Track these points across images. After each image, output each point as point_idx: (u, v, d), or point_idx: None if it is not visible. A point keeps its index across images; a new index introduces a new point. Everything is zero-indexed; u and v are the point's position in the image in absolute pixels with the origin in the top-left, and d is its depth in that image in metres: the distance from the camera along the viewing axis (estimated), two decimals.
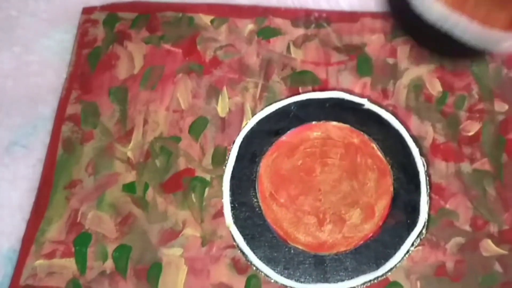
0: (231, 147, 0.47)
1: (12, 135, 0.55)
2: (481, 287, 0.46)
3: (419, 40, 0.50)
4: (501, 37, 0.42)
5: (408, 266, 0.46)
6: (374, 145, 0.47)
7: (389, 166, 0.46)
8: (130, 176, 0.51)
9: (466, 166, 0.50)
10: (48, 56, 0.59)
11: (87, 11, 0.61)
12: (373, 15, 0.58)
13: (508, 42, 0.42)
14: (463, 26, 0.42)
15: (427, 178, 0.44)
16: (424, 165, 0.45)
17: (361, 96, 0.52)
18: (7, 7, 0.62)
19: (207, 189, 0.50)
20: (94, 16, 0.60)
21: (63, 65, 0.58)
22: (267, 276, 0.44)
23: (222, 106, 0.54)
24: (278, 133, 0.48)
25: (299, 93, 0.53)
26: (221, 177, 0.49)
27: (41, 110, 0.56)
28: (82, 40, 0.59)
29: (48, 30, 0.61)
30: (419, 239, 0.45)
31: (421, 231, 0.44)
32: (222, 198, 0.48)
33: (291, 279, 0.44)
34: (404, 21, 0.49)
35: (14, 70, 0.59)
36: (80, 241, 0.49)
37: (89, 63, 0.58)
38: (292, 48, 0.57)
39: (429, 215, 0.46)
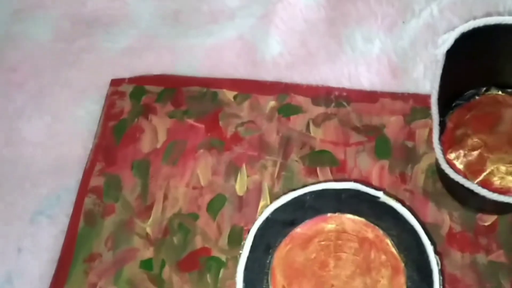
0: (246, 237, 0.48)
1: (37, 204, 0.57)
2: None
3: (451, 193, 0.52)
4: None
5: None
6: (388, 241, 0.47)
7: (403, 264, 0.46)
8: (148, 253, 0.52)
9: (481, 258, 0.50)
10: (76, 126, 0.61)
11: (115, 82, 0.63)
12: (393, 95, 0.59)
13: None
14: (478, 189, 0.44)
15: (441, 278, 0.44)
16: (438, 264, 0.45)
17: (378, 181, 0.52)
18: (39, 77, 0.65)
19: (222, 270, 0.51)
20: (122, 88, 0.63)
21: (90, 136, 0.60)
22: None
23: (241, 184, 0.55)
24: (293, 223, 0.48)
25: (316, 175, 0.54)
26: (236, 258, 0.50)
27: (66, 181, 0.58)
28: (109, 112, 0.61)
29: (78, 99, 0.63)
30: None
31: None
32: (235, 279, 0.48)
33: None
34: (441, 177, 0.52)
35: (43, 139, 0.61)
36: None
37: (114, 135, 0.59)
38: (311, 126, 0.58)
39: None
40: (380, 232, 0.47)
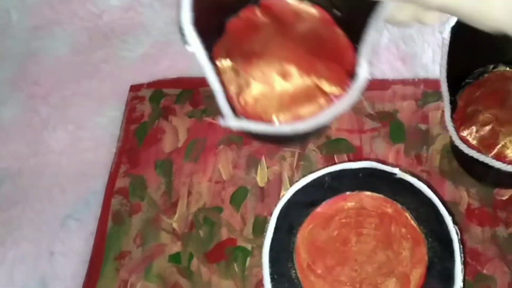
0: (269, 219, 0.49)
1: (67, 209, 0.59)
2: None
3: (467, 170, 0.54)
4: None
5: None
6: (407, 214, 0.48)
7: (423, 235, 0.47)
8: (176, 247, 0.54)
9: (501, 231, 0.51)
10: (99, 133, 0.64)
11: (134, 88, 0.65)
12: (404, 82, 0.60)
13: None
14: (493, 162, 0.45)
15: (461, 246, 0.45)
16: (457, 233, 0.46)
17: (394, 164, 0.53)
18: (61, 89, 0.67)
19: (248, 259, 0.52)
20: (141, 93, 0.65)
21: (113, 141, 0.62)
22: None
23: (261, 176, 0.57)
24: (314, 204, 0.49)
25: (334, 162, 0.55)
26: (261, 246, 0.51)
27: (92, 185, 0.60)
28: (130, 116, 0.63)
29: (99, 107, 0.65)
30: None
31: None
32: (261, 267, 0.49)
33: None
34: (456, 154, 0.53)
35: (68, 147, 0.63)
36: None
37: (136, 138, 0.61)
38: None
39: (466, 281, 0.46)
40: (399, 206, 0.49)
